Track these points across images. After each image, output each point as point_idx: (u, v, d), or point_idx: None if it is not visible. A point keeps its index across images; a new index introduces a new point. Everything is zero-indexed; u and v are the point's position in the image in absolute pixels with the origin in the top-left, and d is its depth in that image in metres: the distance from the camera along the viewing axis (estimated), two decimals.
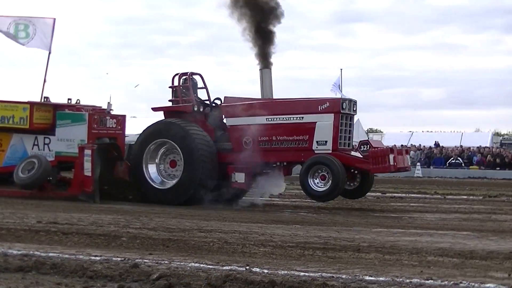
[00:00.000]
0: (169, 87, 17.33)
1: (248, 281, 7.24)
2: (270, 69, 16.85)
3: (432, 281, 7.47)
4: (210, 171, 16.07)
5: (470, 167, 38.44)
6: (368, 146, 15.84)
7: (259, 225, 12.39)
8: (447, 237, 11.09)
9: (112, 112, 18.05)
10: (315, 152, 15.59)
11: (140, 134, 17.08)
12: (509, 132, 73.20)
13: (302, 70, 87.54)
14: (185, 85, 17.13)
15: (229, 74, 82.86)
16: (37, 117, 17.30)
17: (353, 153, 16.10)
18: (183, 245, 9.90)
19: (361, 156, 15.64)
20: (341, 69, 45.42)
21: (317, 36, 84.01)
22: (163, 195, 16.33)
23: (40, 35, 18.74)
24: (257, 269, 7.96)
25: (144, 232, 11.13)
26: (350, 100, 16.14)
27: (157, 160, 16.68)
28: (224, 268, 8.02)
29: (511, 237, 11.28)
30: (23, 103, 17.50)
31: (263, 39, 16.73)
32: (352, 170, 15.76)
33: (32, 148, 17.31)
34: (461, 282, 7.40)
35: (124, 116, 18.44)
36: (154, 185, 16.52)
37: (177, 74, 17.24)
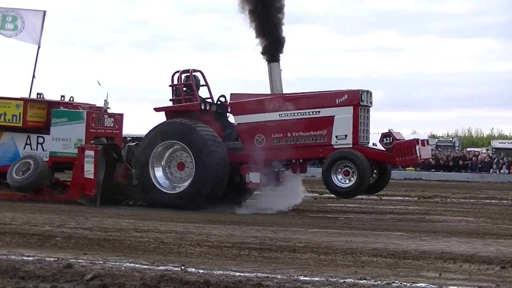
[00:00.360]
0: (170, 85, 16.27)
1: (183, 281, 7.23)
2: (279, 63, 16.00)
3: (365, 281, 7.58)
4: (223, 173, 15.28)
5: (406, 168, 38.99)
6: (391, 138, 14.88)
7: (196, 225, 12.36)
8: (382, 238, 11.23)
9: (109, 111, 17.27)
10: (335, 147, 14.90)
11: (146, 135, 16.03)
12: (445, 134, 74.55)
13: (241, 70, 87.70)
14: (187, 83, 16.18)
15: (170, 73, 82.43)
16: (31, 115, 16.45)
17: (373, 146, 15.67)
18: (119, 245, 9.83)
19: (384, 149, 15.05)
20: (281, 70, 45.38)
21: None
22: (174, 200, 15.33)
23: (29, 28, 17.91)
24: (193, 269, 7.96)
25: (79, 231, 11.01)
26: (368, 92, 15.32)
27: (163, 163, 15.69)
28: (159, 268, 7.99)
29: (443, 237, 11.49)
30: (16, 99, 16.63)
31: (270, 31, 15.84)
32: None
33: (24, 148, 16.43)
34: (393, 282, 7.52)
35: (122, 115, 17.66)
36: (162, 189, 15.53)
37: (177, 72, 16.21)
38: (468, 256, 9.32)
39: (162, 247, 9.71)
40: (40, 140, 16.40)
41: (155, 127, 15.92)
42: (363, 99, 15.03)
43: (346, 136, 14.88)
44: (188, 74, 16.20)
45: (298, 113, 15.25)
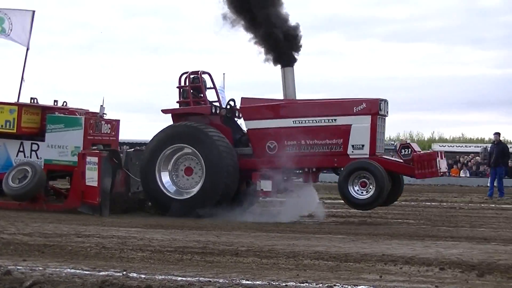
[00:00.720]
0: (177, 87, 15.72)
1: (124, 286, 7.20)
2: (293, 67, 15.50)
3: (307, 284, 7.64)
4: (234, 180, 14.85)
5: None
6: (410, 149, 14.52)
7: (138, 230, 12.29)
8: (324, 241, 11.32)
9: (105, 116, 16.71)
10: (350, 157, 14.50)
11: (152, 139, 15.41)
12: (387, 137, 75.36)
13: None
14: (196, 85, 15.70)
15: (112, 76, 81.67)
16: (25, 121, 15.80)
17: (388, 157, 15.42)
18: (59, 250, 9.71)
19: (402, 161, 14.67)
20: (224, 74, 45.35)
21: (201, 39, 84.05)
22: (182, 206, 14.82)
23: (17, 29, 17.29)
24: (134, 274, 7.91)
25: (19, 237, 10.83)
26: (385, 101, 15.00)
27: (169, 168, 15.15)
28: (101, 273, 7.93)
29: (384, 240, 11.64)
30: (11, 104, 16.02)
31: (286, 35, 15.32)
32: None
33: (17, 155, 15.76)
34: (335, 285, 7.60)
35: (118, 121, 17.10)
36: (170, 195, 14.99)
37: (185, 73, 15.69)
38: (408, 258, 9.45)
39: (104, 252, 9.62)
40: (34, 147, 15.76)
41: (162, 130, 15.36)
42: (381, 108, 14.77)
43: (363, 146, 14.53)
44: (197, 76, 15.78)
45: (313, 120, 14.84)
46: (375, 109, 14.62)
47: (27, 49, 17.30)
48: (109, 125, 16.69)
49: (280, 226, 13.68)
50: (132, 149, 16.72)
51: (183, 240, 10.95)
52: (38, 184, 15.05)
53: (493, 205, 19.97)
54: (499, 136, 24.47)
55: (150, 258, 9.26)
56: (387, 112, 15.18)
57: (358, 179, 14.21)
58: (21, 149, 15.84)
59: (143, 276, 7.85)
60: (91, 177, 14.57)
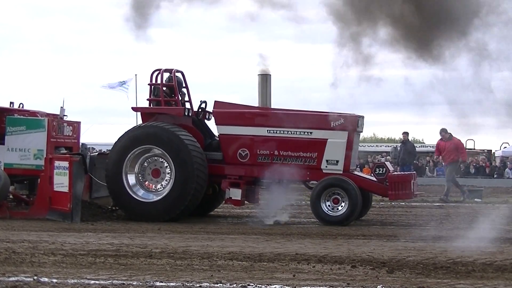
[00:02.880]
0: (149, 84, 15.21)
1: None
2: (270, 75, 15.20)
3: (221, 284, 7.70)
4: (203, 183, 14.42)
5: None
6: (385, 169, 14.53)
7: (50, 234, 12.06)
8: (238, 241, 11.38)
9: (66, 118, 16.05)
10: (324, 172, 14.36)
11: (119, 140, 14.83)
12: None
13: (97, 74, 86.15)
14: (169, 84, 15.18)
15: (22, 77, 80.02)
16: None
17: (363, 174, 15.27)
18: None
19: (376, 180, 14.61)
20: (136, 75, 44.80)
21: (114, 39, 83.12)
22: (150, 209, 14.40)
23: None
24: (46, 279, 7.80)
25: None
26: (362, 117, 14.94)
27: (136, 170, 14.69)
28: (11, 279, 7.78)
29: (297, 239, 11.79)
30: None
31: None
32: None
33: None
34: (249, 284, 7.67)
35: (79, 123, 16.44)
36: (137, 198, 14.54)
37: (157, 70, 15.08)
38: (321, 256, 9.60)
39: (14, 257, 9.41)
40: None
41: (130, 130, 14.99)
42: (359, 125, 14.69)
43: (337, 161, 14.37)
44: (170, 74, 15.27)
45: (288, 131, 14.57)
46: (353, 126, 14.53)
47: None
48: (70, 127, 16.17)
49: (194, 227, 13.66)
50: (96, 153, 16.35)
51: (96, 243, 10.81)
52: (3, 191, 14.37)
53: (403, 203, 20.37)
54: (408, 135, 25.08)
55: (62, 262, 9.11)
56: (362, 128, 15.19)
57: (330, 195, 14.17)
58: None
59: (54, 280, 7.75)
60: (61, 182, 13.88)
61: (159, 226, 13.54)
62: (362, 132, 15.34)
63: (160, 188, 14.73)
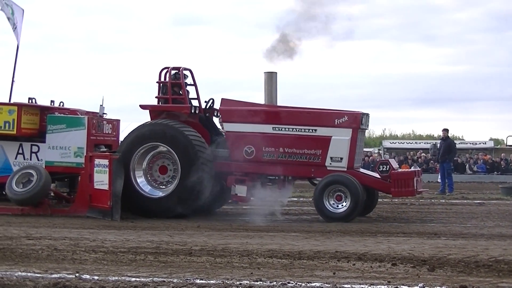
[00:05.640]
0: (157, 82, 15.37)
1: None
2: (276, 73, 15.30)
3: (261, 282, 7.67)
4: (208, 180, 14.52)
5: None
6: (388, 166, 14.58)
7: (91, 231, 12.18)
8: (277, 239, 11.36)
9: (105, 116, 16.30)
10: (328, 169, 14.48)
11: (126, 137, 15.12)
12: None
13: (137, 72, 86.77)
14: (176, 82, 15.33)
15: (63, 76, 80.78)
16: (25, 121, 15.27)
17: (367, 171, 15.44)
18: (10, 253, 9.57)
19: (379, 177, 14.69)
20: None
21: (153, 38, 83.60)
22: (157, 205, 14.60)
23: (19, 23, 16.89)
24: (87, 276, 7.86)
25: None
26: (367, 115, 15.01)
27: (144, 166, 14.90)
28: (53, 276, 7.85)
29: (337, 237, 11.74)
30: (10, 104, 15.52)
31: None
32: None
33: (16, 158, 15.30)
34: (288, 282, 7.64)
35: (118, 121, 16.66)
36: (145, 194, 14.73)
37: (166, 68, 15.32)
38: (361, 254, 9.55)
39: (56, 254, 9.52)
40: (34, 148, 15.35)
41: (137, 127, 15.15)
42: (362, 122, 14.72)
43: (341, 158, 14.48)
44: (177, 71, 15.44)
45: (293, 128, 14.73)
46: (356, 123, 14.59)
47: (18, 47, 16.91)
48: (110, 125, 16.38)
49: (234, 224, 13.70)
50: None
51: (136, 241, 10.89)
52: (44, 188, 14.64)
53: (443, 201, 20.26)
54: (447, 132, 24.86)
55: (103, 259, 9.19)
56: (368, 125, 15.26)
57: (333, 192, 14.26)
58: (20, 151, 15.44)
59: (96, 277, 7.81)
60: (101, 180, 14.09)
61: (199, 223, 13.60)
62: (367, 129, 15.38)
63: (165, 184, 14.90)
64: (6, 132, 15.29)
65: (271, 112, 15.00)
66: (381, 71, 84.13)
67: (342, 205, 14.23)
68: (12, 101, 16.51)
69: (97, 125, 15.78)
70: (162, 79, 15.42)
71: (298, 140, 14.65)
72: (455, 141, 29.84)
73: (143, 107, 15.46)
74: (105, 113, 16.46)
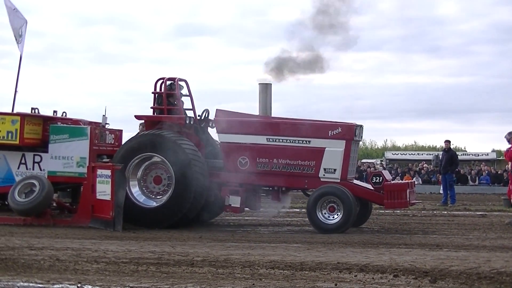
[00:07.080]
0: (153, 92, 15.50)
1: None
2: (271, 84, 15.41)
3: None
4: (202, 190, 14.69)
5: None
6: (381, 178, 14.69)
7: (93, 241, 12.18)
8: (279, 250, 11.36)
9: (108, 126, 16.34)
10: (321, 180, 14.56)
11: (121, 147, 15.33)
12: None
13: (141, 83, 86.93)
14: (171, 92, 15.47)
15: (66, 86, 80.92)
16: (28, 131, 15.33)
17: (361, 183, 15.60)
18: (12, 264, 9.57)
19: (372, 188, 14.80)
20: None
21: (157, 48, 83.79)
22: (151, 215, 14.67)
23: (23, 35, 17.03)
24: (89, 287, 7.88)
25: None
26: (361, 126, 15.14)
27: (138, 176, 15.01)
28: (55, 286, 7.88)
29: (339, 248, 11.73)
30: (12, 114, 15.57)
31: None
32: None
33: (18, 167, 15.32)
34: None
35: (121, 131, 16.72)
36: (139, 204, 14.80)
37: (161, 79, 15.45)
38: (363, 265, 9.54)
39: (58, 265, 9.53)
40: (37, 158, 15.37)
41: (132, 138, 15.29)
42: (356, 134, 14.80)
43: (335, 170, 14.55)
44: (173, 82, 15.55)
45: (287, 140, 14.80)
46: (350, 135, 14.67)
47: (20, 57, 17.01)
48: (112, 135, 16.42)
49: (236, 235, 13.70)
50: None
51: (138, 251, 10.89)
52: (46, 199, 14.62)
53: (445, 212, 20.24)
54: (449, 143, 24.90)
55: (105, 270, 9.20)
56: (361, 137, 15.38)
57: (326, 203, 14.31)
58: (23, 161, 15.46)
59: None
60: (103, 190, 14.07)
61: (200, 234, 13.60)
62: (360, 141, 15.49)
63: (159, 194, 14.96)
64: (9, 142, 15.31)
65: (265, 123, 15.07)
66: (385, 82, 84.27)
67: (335, 217, 14.27)
68: (15, 111, 16.58)
69: (99, 135, 15.81)
70: (158, 90, 15.53)
71: (292, 151, 14.73)
72: (458, 153, 29.85)
73: (138, 117, 15.59)
74: (108, 123, 16.51)
